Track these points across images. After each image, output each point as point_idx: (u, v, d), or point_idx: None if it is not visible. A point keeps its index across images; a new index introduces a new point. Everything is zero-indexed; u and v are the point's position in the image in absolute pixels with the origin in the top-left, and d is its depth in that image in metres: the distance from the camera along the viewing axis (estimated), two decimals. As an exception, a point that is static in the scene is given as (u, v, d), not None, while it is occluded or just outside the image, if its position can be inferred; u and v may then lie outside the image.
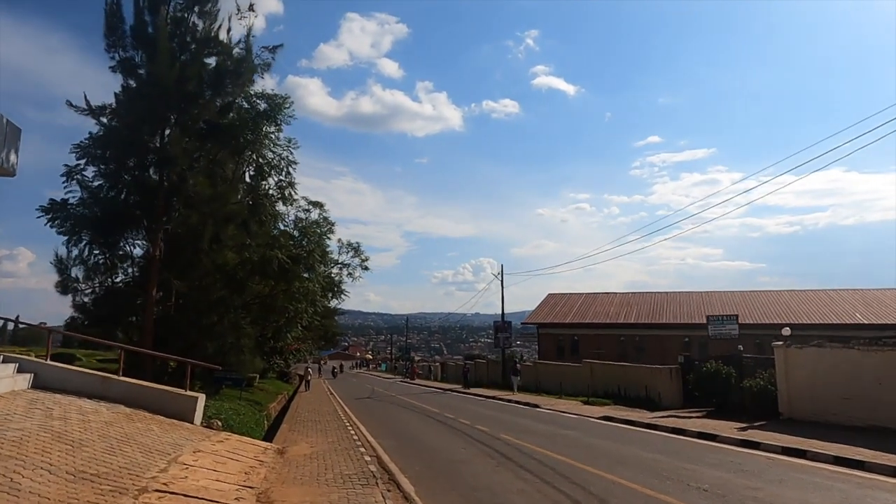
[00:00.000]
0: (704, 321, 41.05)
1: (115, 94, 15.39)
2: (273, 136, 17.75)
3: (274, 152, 18.22)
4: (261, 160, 18.10)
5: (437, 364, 67.33)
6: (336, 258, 22.83)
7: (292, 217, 19.16)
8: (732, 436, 12.91)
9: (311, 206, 19.54)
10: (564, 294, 50.46)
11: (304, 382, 37.59)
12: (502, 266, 41.84)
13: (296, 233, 18.76)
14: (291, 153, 18.35)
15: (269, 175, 18.48)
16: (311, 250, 17.36)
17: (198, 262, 15.86)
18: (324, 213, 19.14)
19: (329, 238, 18.98)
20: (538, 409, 22.16)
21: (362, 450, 12.42)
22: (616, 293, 48.99)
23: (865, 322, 36.58)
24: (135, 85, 15.38)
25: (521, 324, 45.09)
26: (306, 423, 18.21)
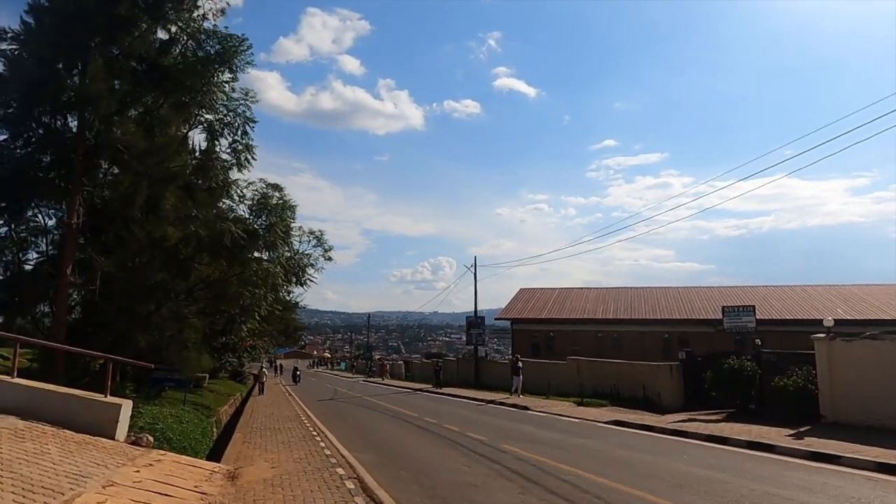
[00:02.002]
0: (684, 317, 39.75)
1: (22, 16, 12.09)
2: (227, 87, 14.73)
3: (227, 107, 15.17)
4: (211, 116, 15.04)
5: (401, 363, 64.43)
6: (297, 248, 19.82)
7: (249, 199, 15.97)
8: (791, 445, 10.67)
9: (269, 189, 16.52)
10: (537, 289, 48.35)
11: (256, 385, 32.72)
12: (475, 258, 39.39)
13: (250, 217, 15.42)
14: (249, 108, 15.31)
15: (222, 135, 15.39)
16: (272, 224, 14.34)
17: (129, 236, 12.75)
18: (284, 197, 16.12)
19: (292, 221, 15.91)
20: (529, 412, 19.71)
21: (340, 471, 9.64)
22: (591, 288, 47.20)
23: (848, 318, 35.59)
24: (47, 3, 12.10)
25: (496, 319, 42.79)
26: (264, 432, 15.25)
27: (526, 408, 20.66)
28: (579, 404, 21.06)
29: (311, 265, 20.03)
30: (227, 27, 15.35)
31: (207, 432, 15.99)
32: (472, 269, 39.12)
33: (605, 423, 15.96)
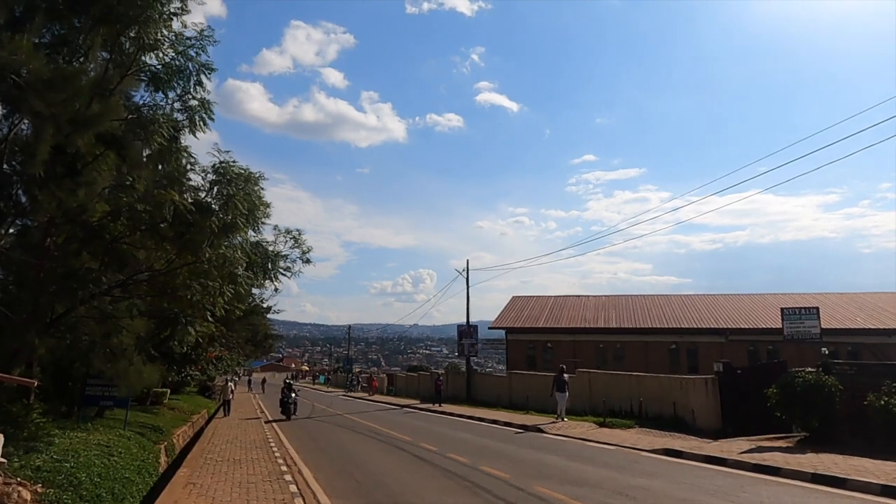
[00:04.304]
0: (691, 326, 36.97)
1: None
2: (176, 21, 11.46)
3: (176, 47, 11.86)
4: (156, 60, 11.72)
5: (383, 376, 60.74)
6: (272, 248, 16.39)
7: (203, 168, 12.36)
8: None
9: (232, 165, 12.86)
10: (531, 297, 45.34)
11: (223, 405, 26.71)
12: (468, 261, 36.25)
13: (204, 188, 11.67)
14: (205, 51, 12.00)
15: (169, 85, 12.08)
16: (230, 196, 10.93)
17: (34, 206, 9.43)
18: (249, 171, 12.51)
19: (259, 201, 12.42)
20: (546, 436, 16.51)
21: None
22: (589, 296, 44.25)
23: (870, 327, 33.19)
24: None
25: (490, 328, 39.60)
26: (220, 466, 11.83)
27: (540, 430, 17.47)
28: (601, 425, 17.92)
29: (289, 268, 16.76)
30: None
31: (149, 466, 12.48)
32: (465, 274, 35.96)
33: (651, 452, 12.82)
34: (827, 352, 17.15)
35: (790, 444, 12.67)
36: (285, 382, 24.89)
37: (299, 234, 16.67)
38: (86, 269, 10.73)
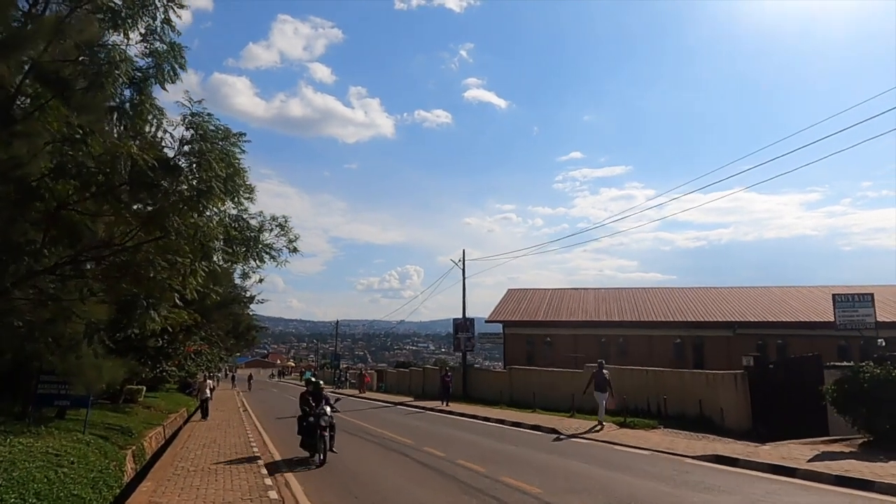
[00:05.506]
0: (697, 319, 35.48)
1: None
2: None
3: (139, -24, 9.89)
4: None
5: (372, 372, 58.79)
6: (257, 234, 14.29)
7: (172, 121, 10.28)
8: None
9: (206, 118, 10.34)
10: (527, 290, 43.65)
11: (200, 405, 22.79)
12: (464, 251, 34.38)
13: (176, 143, 9.39)
14: (171, -19, 10.00)
15: (134, 25, 10.07)
16: (204, 152, 8.98)
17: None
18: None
19: (238, 161, 10.39)
20: (571, 442, 14.74)
21: None
22: (588, 289, 42.65)
23: (884, 319, 31.77)
24: None
25: (486, 321, 37.83)
26: (191, 479, 9.92)
27: (555, 431, 15.73)
28: (622, 425, 16.22)
29: (274, 256, 14.77)
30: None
31: (108, 478, 10.50)
32: (461, 265, 34.12)
33: (696, 458, 11.09)
34: (884, 342, 15.49)
35: (854, 449, 11.02)
36: (308, 383, 13.39)
37: (286, 221, 14.78)
38: (24, 240, 8.77)
